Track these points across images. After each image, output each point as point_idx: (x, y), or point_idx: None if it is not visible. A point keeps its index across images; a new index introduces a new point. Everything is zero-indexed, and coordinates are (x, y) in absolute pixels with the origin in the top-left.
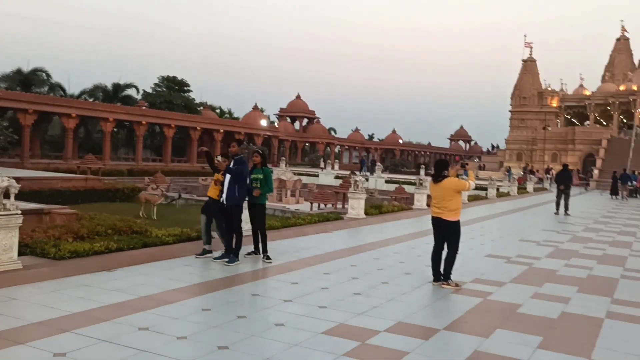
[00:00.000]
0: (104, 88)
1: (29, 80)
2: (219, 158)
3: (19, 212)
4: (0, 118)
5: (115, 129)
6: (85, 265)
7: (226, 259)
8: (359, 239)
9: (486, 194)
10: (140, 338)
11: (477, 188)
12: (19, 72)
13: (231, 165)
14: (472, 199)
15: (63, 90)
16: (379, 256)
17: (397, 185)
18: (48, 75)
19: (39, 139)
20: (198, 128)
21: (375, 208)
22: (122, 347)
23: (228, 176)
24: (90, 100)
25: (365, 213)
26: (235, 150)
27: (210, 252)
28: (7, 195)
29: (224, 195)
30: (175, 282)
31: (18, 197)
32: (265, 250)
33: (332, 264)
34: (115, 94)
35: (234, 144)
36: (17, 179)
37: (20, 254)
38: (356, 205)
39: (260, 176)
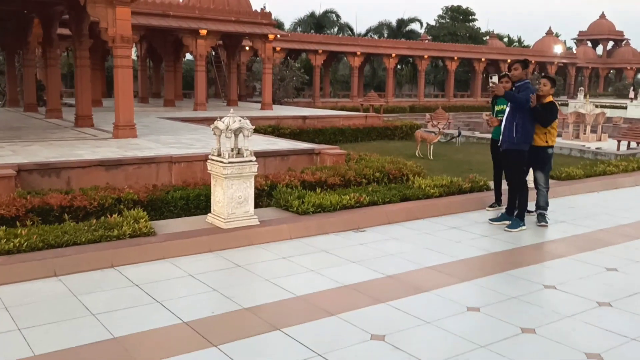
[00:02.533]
0: (388, 24)
1: (320, 23)
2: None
3: (253, 159)
4: (294, 60)
5: (399, 66)
6: (330, 223)
7: (506, 222)
8: None
9: None
10: (365, 356)
11: None
12: (312, 15)
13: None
14: None
15: (351, 29)
16: None
17: None
18: (337, 16)
19: (330, 78)
20: (482, 59)
21: None
22: None
23: (507, 110)
24: (375, 37)
25: None
26: (519, 74)
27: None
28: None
29: (501, 136)
30: (435, 254)
31: (303, 135)
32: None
33: None
34: (399, 30)
35: (516, 65)
36: (304, 118)
37: (265, 205)
38: None
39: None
